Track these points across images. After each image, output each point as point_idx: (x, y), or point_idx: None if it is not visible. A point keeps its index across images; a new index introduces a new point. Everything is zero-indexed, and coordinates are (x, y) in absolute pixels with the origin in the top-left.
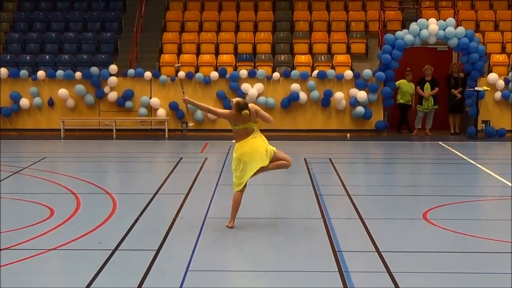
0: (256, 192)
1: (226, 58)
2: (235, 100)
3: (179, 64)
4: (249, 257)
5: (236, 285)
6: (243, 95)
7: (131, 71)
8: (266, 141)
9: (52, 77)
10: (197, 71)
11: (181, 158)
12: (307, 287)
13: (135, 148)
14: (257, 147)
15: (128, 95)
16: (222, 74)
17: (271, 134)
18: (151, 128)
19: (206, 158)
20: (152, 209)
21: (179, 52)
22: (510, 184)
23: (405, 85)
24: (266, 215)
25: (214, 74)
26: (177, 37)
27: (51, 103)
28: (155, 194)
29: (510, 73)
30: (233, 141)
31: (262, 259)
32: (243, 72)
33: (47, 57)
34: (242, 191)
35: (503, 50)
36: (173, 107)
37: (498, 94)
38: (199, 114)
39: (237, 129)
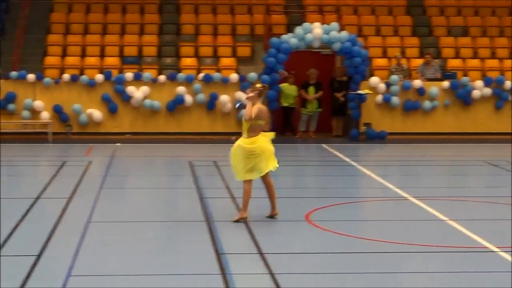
0: (140, 195)
1: (112, 60)
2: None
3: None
4: (133, 260)
5: None
6: (128, 98)
7: (14, 73)
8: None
9: None
10: (82, 73)
11: (65, 162)
12: None
13: (18, 152)
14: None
15: (10, 98)
16: (108, 77)
17: (157, 137)
18: (34, 131)
19: (90, 162)
20: (34, 213)
21: (64, 54)
22: (390, 185)
23: (288, 88)
24: (150, 218)
25: (99, 77)
26: (61, 39)
27: None
28: (37, 198)
29: (391, 77)
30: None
31: (146, 262)
32: (129, 75)
33: None
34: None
35: (384, 54)
36: (57, 110)
37: (379, 97)
38: (83, 117)
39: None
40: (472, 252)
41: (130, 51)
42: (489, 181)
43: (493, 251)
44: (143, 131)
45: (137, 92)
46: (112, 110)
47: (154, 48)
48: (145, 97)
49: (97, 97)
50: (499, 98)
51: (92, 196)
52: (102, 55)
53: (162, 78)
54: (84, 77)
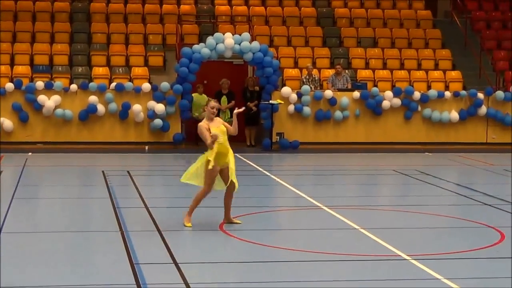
0: (53, 206)
1: (22, 69)
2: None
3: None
4: (46, 272)
5: None
6: (39, 107)
7: None
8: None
9: None
10: None
11: None
12: None
13: None
14: None
15: None
16: (18, 86)
17: (69, 147)
18: None
19: (1, 171)
20: None
21: None
22: (303, 194)
23: (198, 98)
24: (63, 229)
25: (10, 86)
26: None
27: None
28: None
29: (302, 87)
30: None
31: (60, 273)
32: (40, 84)
33: None
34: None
35: (295, 65)
36: None
37: (291, 107)
38: None
39: None
40: (384, 260)
41: (41, 59)
42: (399, 190)
43: (405, 259)
44: (55, 140)
45: (48, 101)
46: (23, 119)
47: (65, 57)
48: (57, 106)
49: (8, 106)
50: (408, 108)
51: (3, 207)
52: (12, 64)
53: (73, 87)
54: None
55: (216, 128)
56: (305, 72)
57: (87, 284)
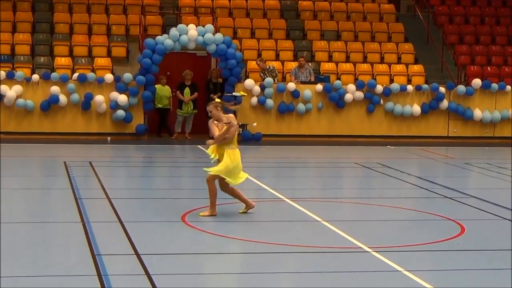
0: (13, 196)
1: None
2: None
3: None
4: (7, 263)
5: None
6: (1, 97)
7: None
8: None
9: None
10: None
11: None
12: None
13: None
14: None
15: None
16: None
17: (30, 137)
18: None
19: None
20: None
21: None
22: (265, 186)
23: (161, 90)
24: (23, 219)
25: None
26: None
27: None
28: None
29: (265, 79)
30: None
31: (21, 264)
32: (1, 74)
33: None
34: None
35: (259, 57)
36: None
37: (254, 100)
38: None
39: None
40: (346, 252)
41: (3, 49)
42: (360, 182)
43: (366, 251)
44: (16, 130)
45: (9, 91)
46: None
47: (27, 47)
48: (18, 97)
49: None
50: (370, 101)
51: None
52: None
53: (35, 77)
54: None
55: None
56: (257, 67)
57: (48, 275)
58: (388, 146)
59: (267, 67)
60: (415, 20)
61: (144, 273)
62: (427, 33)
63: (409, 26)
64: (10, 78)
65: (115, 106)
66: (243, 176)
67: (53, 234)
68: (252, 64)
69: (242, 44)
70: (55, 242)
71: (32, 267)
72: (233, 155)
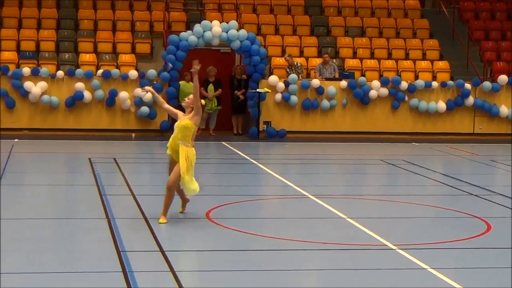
0: (39, 192)
1: (9, 55)
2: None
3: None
4: (32, 259)
5: None
6: (26, 93)
7: None
8: None
9: None
10: None
11: None
12: (90, 287)
13: None
14: None
15: None
16: (4, 72)
17: (55, 134)
18: None
19: None
20: None
21: None
22: (290, 183)
23: (185, 86)
24: (49, 216)
25: None
26: None
27: None
28: None
29: (289, 76)
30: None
31: (45, 260)
32: (26, 70)
33: None
34: None
35: (283, 54)
36: None
37: (278, 96)
38: None
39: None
40: (370, 249)
41: (28, 45)
42: (385, 179)
43: (391, 248)
44: (41, 127)
45: (34, 88)
46: (9, 105)
47: (52, 43)
48: (43, 93)
49: None
50: (395, 98)
51: None
52: None
53: (60, 73)
54: None
55: (178, 122)
56: (284, 62)
57: (73, 271)
58: (413, 143)
59: (295, 63)
60: (440, 16)
61: (169, 270)
62: (452, 29)
63: (434, 22)
64: (35, 74)
65: (139, 102)
66: (196, 187)
67: (78, 230)
68: (276, 61)
69: (266, 40)
70: (80, 238)
71: (57, 264)
72: (190, 152)
